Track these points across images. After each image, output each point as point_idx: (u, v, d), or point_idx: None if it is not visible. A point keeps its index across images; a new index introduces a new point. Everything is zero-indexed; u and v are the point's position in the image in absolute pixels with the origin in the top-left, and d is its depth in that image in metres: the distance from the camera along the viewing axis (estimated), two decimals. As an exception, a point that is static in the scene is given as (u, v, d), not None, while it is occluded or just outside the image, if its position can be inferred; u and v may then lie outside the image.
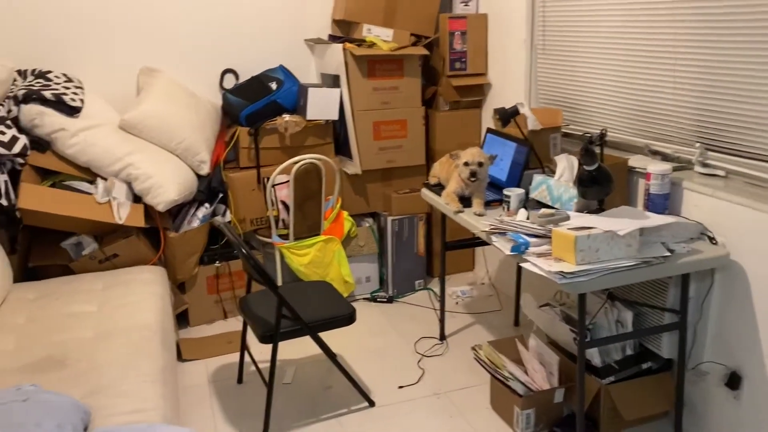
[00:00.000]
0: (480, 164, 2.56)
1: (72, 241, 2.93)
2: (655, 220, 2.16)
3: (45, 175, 2.96)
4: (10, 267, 2.68)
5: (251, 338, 3.08)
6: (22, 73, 3.13)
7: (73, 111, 2.92)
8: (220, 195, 3.31)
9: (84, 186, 2.91)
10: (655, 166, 2.33)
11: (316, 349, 2.96)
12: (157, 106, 3.13)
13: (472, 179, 2.57)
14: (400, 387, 2.79)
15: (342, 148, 3.58)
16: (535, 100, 3.29)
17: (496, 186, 2.78)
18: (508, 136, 2.81)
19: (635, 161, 2.54)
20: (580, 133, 2.95)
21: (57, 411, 1.66)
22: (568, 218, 2.21)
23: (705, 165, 2.35)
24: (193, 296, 3.31)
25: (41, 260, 2.91)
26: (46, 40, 3.28)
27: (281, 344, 2.42)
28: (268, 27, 3.64)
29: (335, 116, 3.41)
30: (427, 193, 2.92)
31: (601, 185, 2.23)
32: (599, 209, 2.35)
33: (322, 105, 3.36)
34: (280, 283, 3.39)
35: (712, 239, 2.22)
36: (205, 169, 3.24)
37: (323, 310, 2.48)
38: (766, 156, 2.16)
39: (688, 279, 2.20)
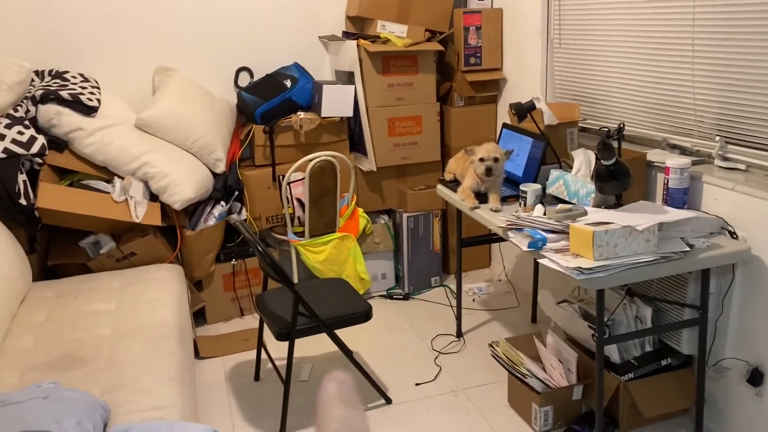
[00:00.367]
0: (495, 160, 2.54)
1: (90, 240, 2.95)
2: (675, 214, 2.13)
3: (63, 174, 2.99)
4: (29, 266, 2.71)
5: (268, 336, 3.09)
6: (39, 74, 3.16)
7: (90, 111, 2.94)
8: (236, 193, 3.32)
9: (101, 185, 2.93)
10: (674, 160, 2.30)
11: (333, 347, 2.96)
12: (173, 104, 3.14)
13: (488, 175, 2.55)
14: (417, 384, 2.78)
15: (357, 145, 3.58)
16: (551, 95, 3.27)
17: (512, 181, 2.76)
18: (524, 131, 2.79)
19: (653, 155, 2.51)
20: (598, 128, 2.93)
21: (77, 408, 1.68)
22: (585, 213, 2.19)
23: (725, 158, 2.32)
24: (210, 294, 3.32)
25: (60, 259, 2.94)
26: (63, 41, 3.31)
27: (298, 341, 2.43)
28: (282, 25, 3.65)
29: (350, 113, 3.40)
30: (442, 190, 2.91)
31: (619, 180, 2.21)
32: (617, 204, 2.33)
33: (336, 102, 3.36)
34: (296, 280, 3.39)
35: (732, 234, 2.19)
36: (220, 168, 3.25)
37: (339, 308, 2.48)
38: (788, 149, 2.12)
39: (709, 274, 2.17)
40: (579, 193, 2.40)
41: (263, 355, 2.97)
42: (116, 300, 2.57)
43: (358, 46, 3.36)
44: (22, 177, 2.68)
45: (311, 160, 3.22)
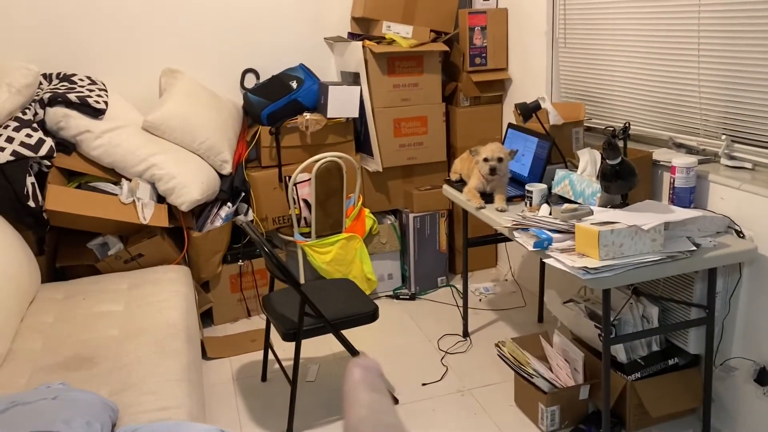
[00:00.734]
0: (500, 160, 2.54)
1: (98, 242, 2.97)
2: (681, 214, 2.13)
3: (71, 176, 3.01)
4: (38, 268, 2.72)
5: (275, 336, 3.09)
6: (47, 77, 3.18)
7: (97, 113, 2.95)
8: (243, 194, 3.33)
9: (109, 187, 2.95)
10: (680, 159, 2.30)
11: (339, 347, 2.96)
12: (180, 106, 3.16)
13: (492, 175, 2.55)
14: (424, 384, 2.79)
15: (363, 146, 3.58)
16: (556, 95, 3.26)
17: (518, 181, 2.76)
18: (529, 131, 2.78)
19: (659, 154, 2.51)
20: (603, 127, 2.92)
21: (85, 409, 1.69)
22: (591, 213, 2.19)
23: (731, 157, 2.32)
24: (217, 295, 3.34)
25: (68, 261, 2.96)
26: (71, 44, 3.33)
27: (304, 342, 2.43)
28: (287, 26, 3.66)
29: (355, 114, 3.41)
30: (448, 190, 2.92)
31: (625, 179, 2.20)
32: (623, 204, 2.33)
33: (342, 103, 3.37)
34: (302, 281, 3.40)
35: (739, 233, 2.18)
36: (227, 169, 3.27)
37: (346, 308, 2.49)
38: (794, 147, 2.12)
39: (715, 273, 2.17)
40: (584, 192, 2.40)
41: (270, 355, 2.97)
42: (124, 301, 2.58)
43: (363, 47, 3.36)
44: (30, 179, 2.70)
45: (317, 160, 3.23)
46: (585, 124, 2.90)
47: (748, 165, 2.27)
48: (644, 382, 2.32)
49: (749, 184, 2.15)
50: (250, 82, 3.64)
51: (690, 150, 2.51)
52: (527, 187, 2.49)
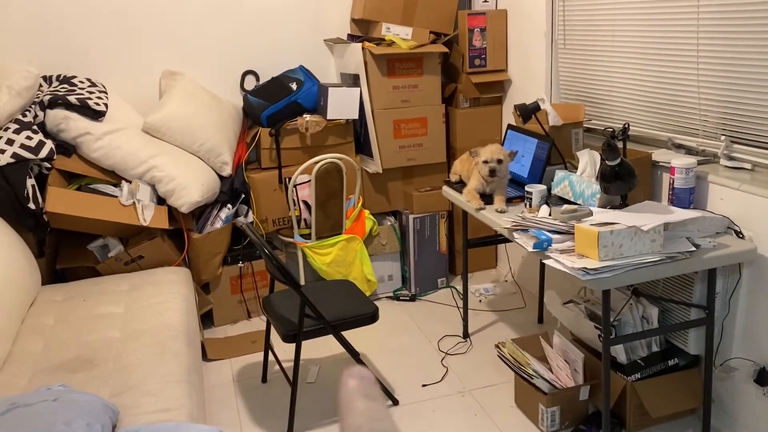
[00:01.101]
0: (499, 161, 2.54)
1: (98, 244, 2.97)
2: (680, 214, 2.13)
3: (71, 178, 3.01)
4: (38, 270, 2.73)
5: (275, 338, 3.10)
6: (47, 79, 3.19)
7: (97, 115, 2.96)
8: (243, 196, 3.33)
9: (109, 189, 2.95)
10: (680, 160, 2.30)
11: (340, 348, 2.97)
12: (180, 108, 3.16)
13: (492, 177, 2.56)
14: (424, 385, 2.79)
15: (362, 147, 3.59)
16: (556, 96, 3.27)
17: (517, 182, 2.76)
18: (529, 132, 2.79)
19: (659, 155, 2.51)
20: (602, 128, 2.93)
21: (86, 410, 1.69)
22: (590, 214, 2.19)
23: (731, 158, 2.32)
24: (217, 296, 3.34)
25: (68, 262, 2.96)
26: (70, 46, 3.33)
27: (305, 343, 2.43)
28: (287, 28, 3.66)
29: (355, 115, 3.41)
30: (448, 191, 2.92)
31: (624, 180, 2.21)
32: (623, 204, 2.33)
33: (342, 104, 3.37)
34: (302, 282, 3.40)
35: (738, 233, 2.19)
36: (227, 171, 3.27)
37: (346, 309, 2.49)
38: (793, 148, 2.12)
39: (715, 274, 2.17)
40: (584, 193, 2.40)
41: (270, 357, 2.98)
42: (124, 303, 2.59)
43: (363, 48, 3.37)
44: (30, 181, 2.70)
45: (317, 162, 3.24)
46: (584, 125, 2.91)
47: (748, 165, 2.27)
48: (644, 383, 2.32)
49: (748, 184, 2.16)
50: (250, 83, 3.65)
51: (689, 151, 2.51)
52: (527, 188, 2.49)
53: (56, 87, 3.05)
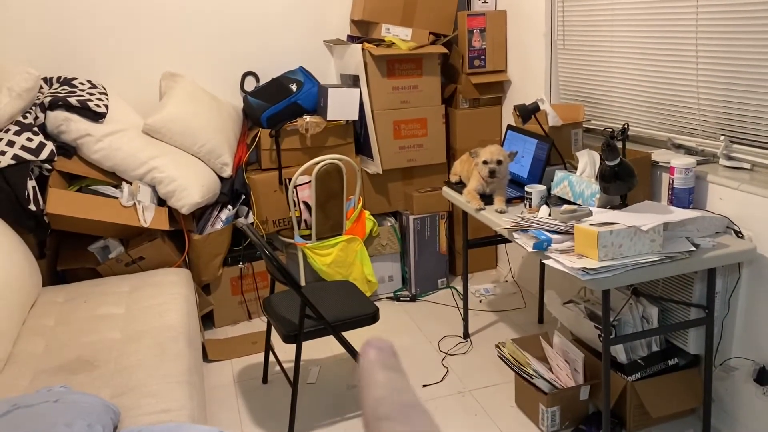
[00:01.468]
0: (499, 162, 2.55)
1: (99, 245, 2.98)
2: (680, 214, 2.13)
3: (71, 180, 3.02)
4: (39, 271, 2.73)
5: (275, 338, 3.10)
6: (47, 81, 3.19)
7: (97, 117, 2.96)
8: (243, 197, 3.33)
9: (109, 190, 2.96)
10: (679, 160, 2.31)
11: (340, 349, 2.97)
12: (180, 109, 3.17)
13: (491, 178, 2.56)
14: (425, 386, 2.79)
15: (362, 148, 3.59)
16: (555, 96, 3.27)
17: (517, 183, 2.77)
18: (528, 132, 2.79)
19: (658, 155, 2.51)
20: (602, 128, 2.93)
21: (87, 411, 1.70)
22: (590, 214, 2.20)
23: (730, 158, 2.32)
24: (218, 297, 3.34)
25: (69, 264, 2.97)
26: (71, 47, 3.34)
27: (305, 344, 2.44)
28: (287, 29, 3.67)
29: (355, 116, 3.42)
30: (448, 192, 2.92)
31: (624, 180, 2.21)
32: (622, 204, 2.33)
33: (342, 105, 3.38)
34: (303, 283, 3.41)
35: (738, 233, 2.19)
36: (227, 172, 3.27)
37: (346, 310, 2.49)
38: (792, 147, 2.12)
39: (714, 274, 2.18)
40: (584, 193, 2.41)
41: (271, 357, 2.98)
42: (125, 304, 2.59)
43: (362, 49, 3.37)
44: (31, 183, 2.71)
45: (317, 163, 3.24)
46: (584, 126, 2.91)
47: (747, 165, 2.28)
48: (644, 383, 2.33)
49: (748, 184, 2.16)
50: (250, 85, 3.65)
51: (689, 151, 2.51)
52: (527, 188, 2.50)
53: (57, 89, 3.06)
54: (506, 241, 2.76)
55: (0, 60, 3.20)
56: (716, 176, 2.28)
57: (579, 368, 2.42)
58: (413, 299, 3.62)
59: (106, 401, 1.82)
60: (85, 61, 3.37)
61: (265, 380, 2.88)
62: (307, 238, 3.37)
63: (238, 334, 3.30)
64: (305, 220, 3.40)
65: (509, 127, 2.96)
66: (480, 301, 3.56)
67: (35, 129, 2.82)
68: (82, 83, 3.14)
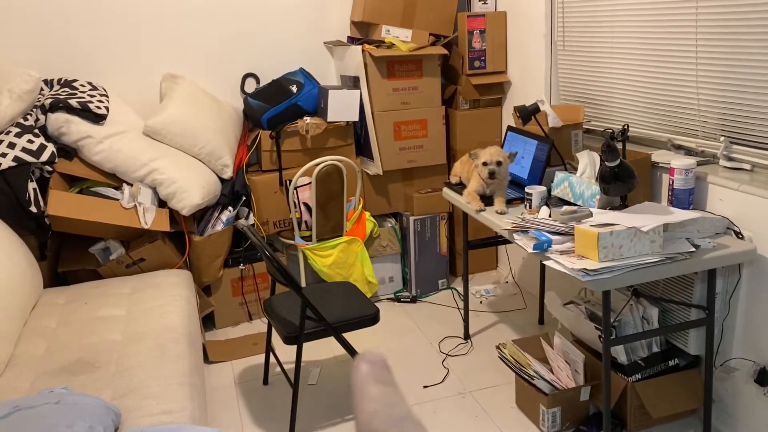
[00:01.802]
0: (499, 163, 2.55)
1: (100, 247, 2.98)
2: (680, 215, 2.13)
3: (72, 182, 3.02)
4: (40, 273, 2.73)
5: (276, 339, 3.10)
6: (48, 83, 3.20)
7: (98, 118, 2.97)
8: (243, 198, 3.34)
9: (110, 192, 2.96)
10: (679, 161, 2.31)
11: (341, 350, 2.98)
12: (180, 111, 3.17)
13: (491, 179, 2.56)
14: (425, 387, 2.79)
15: (363, 149, 3.59)
16: (555, 97, 3.27)
17: (517, 184, 2.77)
18: (529, 133, 2.79)
19: (658, 156, 2.52)
20: (602, 129, 2.93)
21: (88, 413, 1.70)
22: (590, 215, 2.20)
23: (730, 159, 2.32)
24: (219, 299, 3.34)
25: (70, 265, 2.97)
26: (71, 49, 3.34)
27: (306, 345, 2.44)
28: (287, 31, 3.67)
29: (355, 117, 3.42)
30: (448, 193, 2.92)
31: (624, 181, 2.21)
32: (622, 205, 2.34)
33: (342, 107, 3.38)
34: (303, 284, 3.41)
35: (738, 234, 2.19)
36: (228, 173, 3.28)
37: (347, 311, 2.50)
38: (792, 148, 2.12)
39: (715, 274, 2.18)
40: (584, 194, 2.41)
41: (272, 359, 2.98)
42: (126, 305, 2.59)
43: (362, 50, 3.38)
44: (32, 185, 2.71)
45: (318, 164, 3.24)
46: (584, 127, 2.92)
47: (747, 166, 2.28)
48: (645, 383, 2.33)
49: (748, 185, 2.16)
50: (251, 86, 3.65)
51: (689, 151, 2.52)
52: (527, 189, 2.50)
53: (57, 90, 3.06)
54: (506, 242, 2.76)
55: (0, 62, 3.21)
56: (716, 177, 2.28)
57: (579, 369, 2.42)
58: (414, 300, 3.63)
59: (107, 403, 1.82)
60: (85, 62, 3.37)
61: (265, 381, 2.88)
62: (308, 239, 3.37)
63: (238, 336, 3.30)
64: (306, 222, 3.41)
65: (509, 128, 2.97)
66: (480, 302, 3.56)
67: (36, 131, 2.82)
68: (82, 85, 3.14)
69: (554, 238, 2.14)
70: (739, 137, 2.30)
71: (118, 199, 2.92)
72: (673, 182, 2.32)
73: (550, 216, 2.35)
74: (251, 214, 3.37)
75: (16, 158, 2.68)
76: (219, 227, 3.21)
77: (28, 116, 2.86)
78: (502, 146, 2.93)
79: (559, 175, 2.55)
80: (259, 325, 3.41)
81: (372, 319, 2.49)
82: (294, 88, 3.45)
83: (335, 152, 3.46)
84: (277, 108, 3.40)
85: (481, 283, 3.81)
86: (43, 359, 2.20)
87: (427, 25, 3.56)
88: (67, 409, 1.69)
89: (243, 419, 2.63)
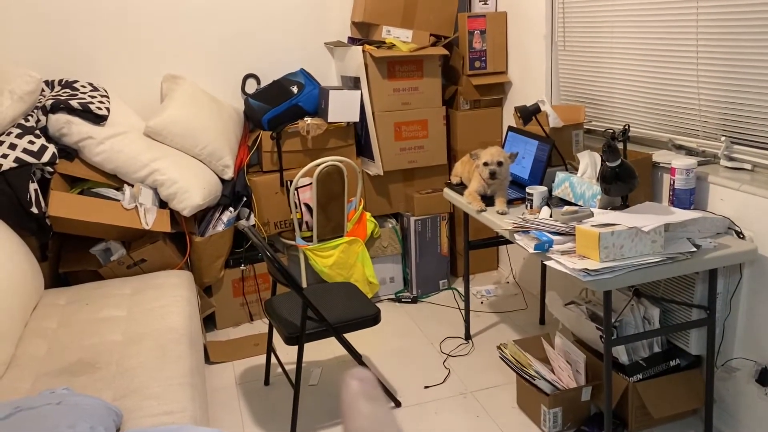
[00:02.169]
0: (499, 164, 2.55)
1: (101, 247, 2.98)
2: (681, 215, 2.13)
3: (73, 182, 3.02)
4: (41, 273, 2.74)
5: (277, 340, 3.10)
6: (49, 84, 3.20)
7: (99, 119, 2.97)
8: (244, 199, 3.34)
9: (111, 193, 2.96)
10: (680, 161, 2.31)
11: (342, 351, 2.98)
12: (181, 112, 3.17)
13: (492, 179, 2.56)
14: (426, 387, 2.79)
15: (363, 150, 3.59)
16: (556, 97, 3.27)
17: (518, 184, 2.77)
18: (529, 133, 2.80)
19: (659, 156, 2.52)
20: (603, 129, 2.93)
21: (90, 413, 1.70)
22: (591, 215, 2.20)
23: (731, 158, 2.32)
24: (220, 299, 3.34)
25: (71, 266, 2.97)
26: (72, 50, 3.34)
27: (307, 346, 2.44)
28: (288, 31, 3.67)
29: (356, 118, 3.42)
30: (449, 193, 2.92)
31: (625, 181, 2.21)
32: (623, 206, 2.34)
33: (343, 107, 3.38)
34: (304, 285, 3.41)
35: (739, 234, 2.19)
36: (229, 174, 3.28)
37: (348, 311, 2.50)
38: (793, 148, 2.12)
39: (716, 274, 2.18)
40: (585, 194, 2.41)
41: (273, 359, 2.98)
42: (127, 306, 2.59)
43: (363, 51, 3.38)
44: (33, 186, 2.71)
45: (318, 165, 3.24)
46: (585, 127, 2.92)
47: (748, 166, 2.28)
48: (646, 384, 2.33)
49: (749, 185, 2.16)
50: (251, 87, 3.66)
51: (689, 152, 2.52)
52: (528, 189, 2.50)
53: (58, 91, 3.06)
54: (507, 242, 2.76)
55: (1, 63, 3.21)
56: (717, 177, 2.28)
57: (581, 369, 2.42)
58: (414, 301, 3.63)
59: (109, 403, 1.82)
60: (86, 63, 3.38)
61: (266, 382, 2.88)
62: (309, 239, 3.37)
63: (239, 336, 3.30)
64: (306, 222, 3.41)
65: (510, 128, 2.97)
66: (481, 303, 3.56)
67: (37, 132, 2.83)
68: (83, 86, 3.15)
69: (555, 238, 2.14)
70: (740, 137, 2.30)
71: (119, 200, 2.92)
72: (674, 182, 2.32)
73: (551, 216, 2.35)
74: (252, 215, 3.37)
75: (17, 159, 2.68)
76: (220, 228, 3.21)
77: (29, 117, 2.86)
78: (502, 146, 2.93)
79: (560, 176, 2.55)
80: (260, 325, 3.42)
81: (373, 319, 2.49)
82: (295, 89, 3.45)
83: (336, 153, 3.46)
84: (277, 109, 3.40)
85: (482, 283, 3.81)
86: (44, 360, 2.20)
87: (428, 25, 3.56)
88: (68, 410, 1.69)
89: (244, 420, 2.64)
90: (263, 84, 3.64)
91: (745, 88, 2.22)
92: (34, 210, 2.69)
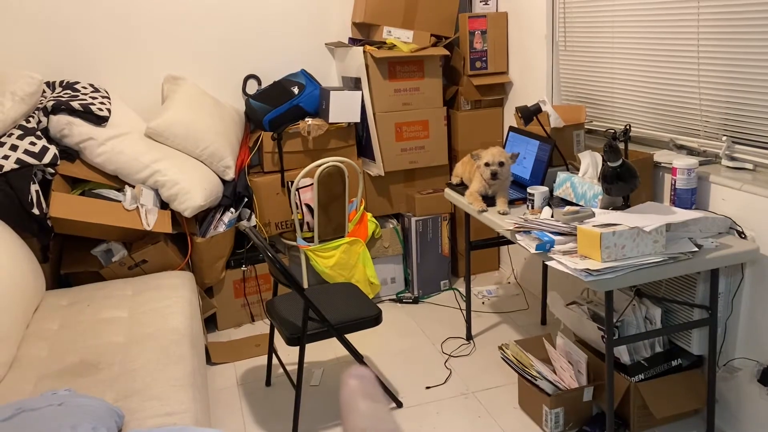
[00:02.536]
0: (501, 164, 2.55)
1: (102, 248, 2.98)
2: (682, 215, 2.13)
3: (74, 183, 3.02)
4: (42, 275, 2.74)
5: (279, 341, 3.11)
6: (50, 85, 3.20)
7: (100, 120, 2.97)
8: (245, 199, 3.34)
9: (112, 194, 2.96)
10: (681, 161, 2.31)
11: (343, 351, 2.98)
12: (182, 113, 3.17)
13: (493, 180, 2.56)
14: (428, 387, 2.79)
15: (364, 150, 3.60)
16: (557, 97, 3.27)
17: (519, 184, 2.77)
18: (530, 134, 2.79)
19: (660, 156, 2.51)
20: (604, 129, 2.93)
21: (91, 414, 1.70)
22: (593, 215, 2.20)
23: (732, 158, 2.32)
24: (221, 300, 3.35)
25: (73, 267, 2.97)
26: (73, 51, 3.35)
27: (308, 346, 2.44)
28: (289, 32, 3.68)
29: (357, 119, 3.42)
30: (450, 193, 2.92)
31: (626, 181, 2.21)
32: (625, 206, 2.34)
33: (343, 108, 3.38)
34: (305, 285, 3.41)
35: (740, 233, 2.19)
36: (230, 175, 3.28)
37: (349, 312, 2.50)
38: (795, 148, 2.12)
39: (717, 274, 2.17)
40: (586, 195, 2.41)
41: (274, 360, 2.99)
42: (128, 307, 2.59)
43: (364, 52, 3.38)
44: (34, 187, 2.71)
45: (319, 165, 3.25)
46: (586, 127, 2.92)
47: (749, 166, 2.28)
48: (648, 384, 2.32)
49: (750, 184, 2.16)
50: (252, 88, 3.66)
51: (691, 151, 2.52)
52: (529, 189, 2.50)
53: (59, 93, 3.07)
54: (509, 242, 2.76)
55: (3, 64, 3.22)
56: (718, 177, 2.28)
57: (582, 369, 2.42)
58: (416, 301, 3.63)
59: (111, 404, 1.82)
60: (87, 65, 3.38)
61: (268, 383, 2.88)
62: (310, 240, 3.37)
63: (241, 337, 3.30)
64: (308, 223, 3.41)
65: (511, 128, 2.97)
66: (483, 303, 3.56)
67: (38, 133, 2.83)
68: (84, 87, 3.15)
69: (557, 238, 2.14)
70: (742, 137, 2.30)
71: (120, 201, 2.92)
72: (675, 182, 2.32)
73: (552, 216, 2.35)
74: (253, 216, 3.37)
75: (18, 160, 2.68)
76: (221, 229, 3.21)
77: (31, 118, 2.87)
78: (503, 147, 2.93)
79: (561, 176, 2.55)
80: (262, 326, 3.42)
81: (374, 320, 2.49)
82: (295, 90, 3.45)
83: (337, 153, 3.46)
84: (278, 109, 3.40)
85: (483, 283, 3.81)
86: (46, 361, 2.20)
87: (429, 26, 3.56)
88: (70, 411, 1.69)
89: (246, 420, 2.64)
90: (264, 85, 3.64)
91: (746, 88, 2.22)
92: (36, 211, 2.69)
